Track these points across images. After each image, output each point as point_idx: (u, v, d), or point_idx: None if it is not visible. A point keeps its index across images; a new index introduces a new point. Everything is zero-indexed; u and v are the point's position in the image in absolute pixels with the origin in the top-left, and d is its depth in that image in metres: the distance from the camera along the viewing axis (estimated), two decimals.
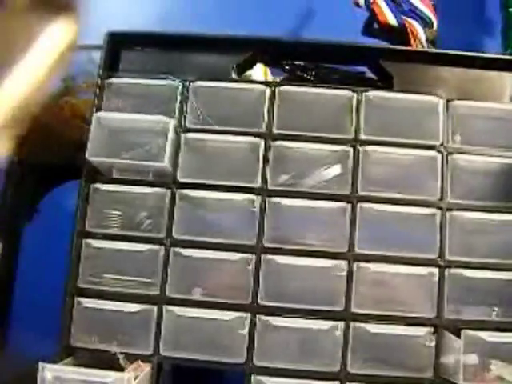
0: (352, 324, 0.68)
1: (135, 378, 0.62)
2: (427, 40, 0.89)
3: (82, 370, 0.62)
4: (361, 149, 0.73)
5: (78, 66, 0.89)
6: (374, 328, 0.68)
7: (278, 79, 0.83)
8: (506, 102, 0.76)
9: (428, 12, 0.90)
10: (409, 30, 0.88)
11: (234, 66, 0.77)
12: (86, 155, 0.70)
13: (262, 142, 0.73)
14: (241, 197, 0.72)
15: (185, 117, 0.74)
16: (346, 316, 0.69)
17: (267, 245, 0.70)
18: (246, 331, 0.68)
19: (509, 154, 0.73)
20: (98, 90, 0.75)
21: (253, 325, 0.68)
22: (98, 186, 0.73)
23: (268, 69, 0.83)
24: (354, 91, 0.74)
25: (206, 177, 0.73)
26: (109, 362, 0.66)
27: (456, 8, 1.09)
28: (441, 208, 0.71)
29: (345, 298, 0.69)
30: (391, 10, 0.88)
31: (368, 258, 0.70)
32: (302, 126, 0.74)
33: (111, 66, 0.77)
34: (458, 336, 0.64)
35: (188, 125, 0.74)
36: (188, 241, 0.71)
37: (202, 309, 0.70)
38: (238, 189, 0.72)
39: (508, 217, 0.71)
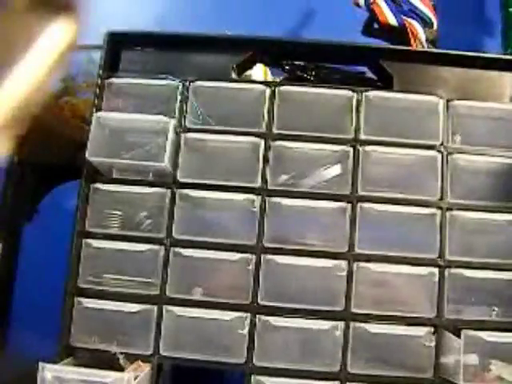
0: (352, 324, 0.68)
1: (135, 378, 0.62)
2: (427, 40, 0.89)
3: (82, 370, 0.62)
4: (361, 149, 0.73)
5: (77, 66, 0.90)
6: (374, 328, 0.68)
7: (277, 79, 0.83)
8: (506, 102, 0.76)
9: (428, 12, 0.90)
10: (409, 29, 0.88)
11: (234, 66, 0.77)
12: (86, 155, 0.70)
13: (262, 142, 0.73)
14: (241, 197, 0.72)
15: (185, 117, 0.74)
16: (346, 316, 0.69)
17: (267, 245, 0.70)
18: (246, 331, 0.68)
19: (509, 154, 0.73)
20: (98, 90, 0.75)
21: (253, 325, 0.68)
22: (98, 185, 0.73)
23: (268, 69, 0.83)
24: (354, 91, 0.74)
25: (206, 177, 0.73)
26: (109, 362, 0.66)
27: (456, 8, 1.09)
28: (441, 208, 0.71)
29: (345, 298, 0.69)
30: (391, 10, 0.88)
31: (368, 258, 0.70)
32: (302, 125, 0.74)
33: (111, 66, 0.77)
34: (458, 336, 0.64)
35: (188, 125, 0.74)
36: (188, 241, 0.71)
37: (202, 309, 0.70)
38: (238, 189, 0.72)
39: (508, 217, 0.71)
